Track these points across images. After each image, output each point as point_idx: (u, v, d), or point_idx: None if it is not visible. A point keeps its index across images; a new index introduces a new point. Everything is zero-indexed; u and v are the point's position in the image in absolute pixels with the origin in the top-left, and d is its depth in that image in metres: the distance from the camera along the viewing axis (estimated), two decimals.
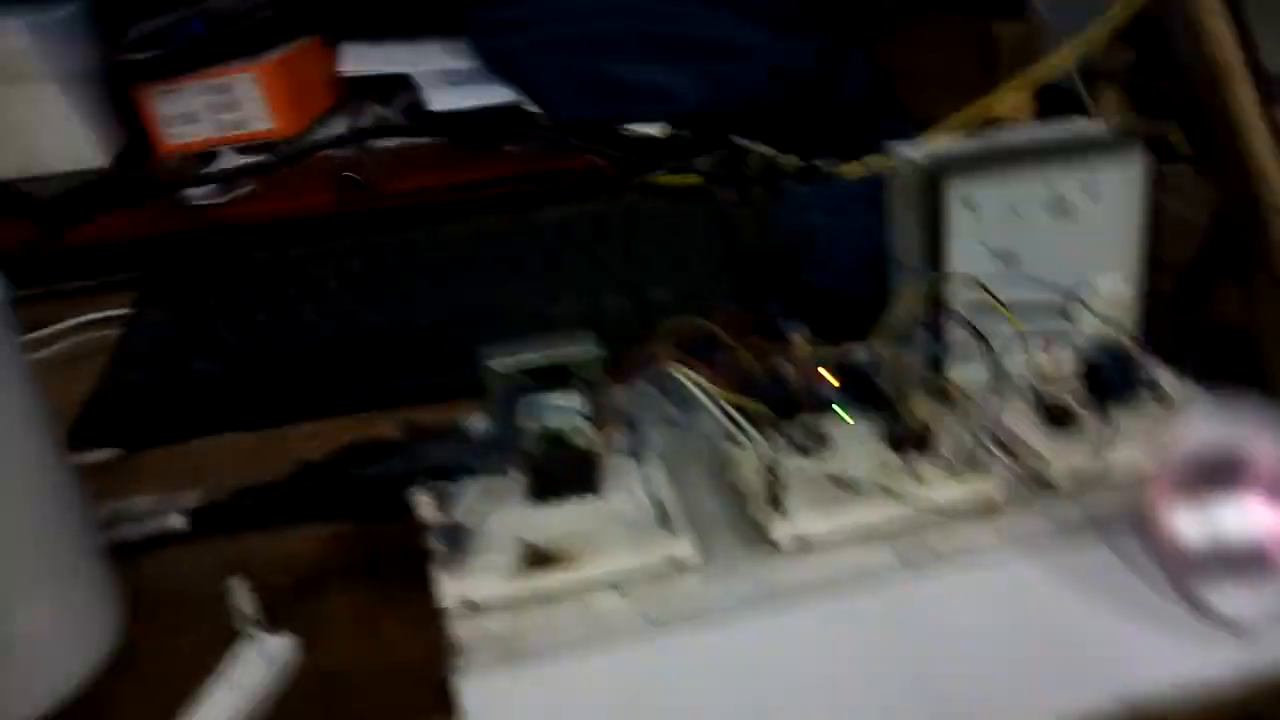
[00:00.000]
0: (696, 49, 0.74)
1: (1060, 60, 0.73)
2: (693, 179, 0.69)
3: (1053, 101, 0.83)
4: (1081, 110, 0.85)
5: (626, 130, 0.70)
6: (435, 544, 0.36)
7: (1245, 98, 0.44)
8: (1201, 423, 0.33)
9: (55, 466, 0.33)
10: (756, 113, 0.74)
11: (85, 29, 0.66)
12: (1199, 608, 0.32)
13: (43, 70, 0.61)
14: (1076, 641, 0.32)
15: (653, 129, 0.70)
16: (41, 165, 0.63)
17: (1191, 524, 0.33)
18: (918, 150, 0.45)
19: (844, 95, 0.77)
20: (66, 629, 0.34)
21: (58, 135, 0.63)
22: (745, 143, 0.74)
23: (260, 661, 0.33)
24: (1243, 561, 0.32)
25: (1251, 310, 0.44)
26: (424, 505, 0.37)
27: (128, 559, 0.39)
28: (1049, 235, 0.45)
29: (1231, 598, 0.32)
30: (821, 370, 0.45)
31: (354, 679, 0.34)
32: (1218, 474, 0.33)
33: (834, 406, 0.42)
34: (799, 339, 0.47)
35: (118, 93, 0.67)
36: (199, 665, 0.34)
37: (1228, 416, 0.33)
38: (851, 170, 0.68)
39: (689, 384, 0.37)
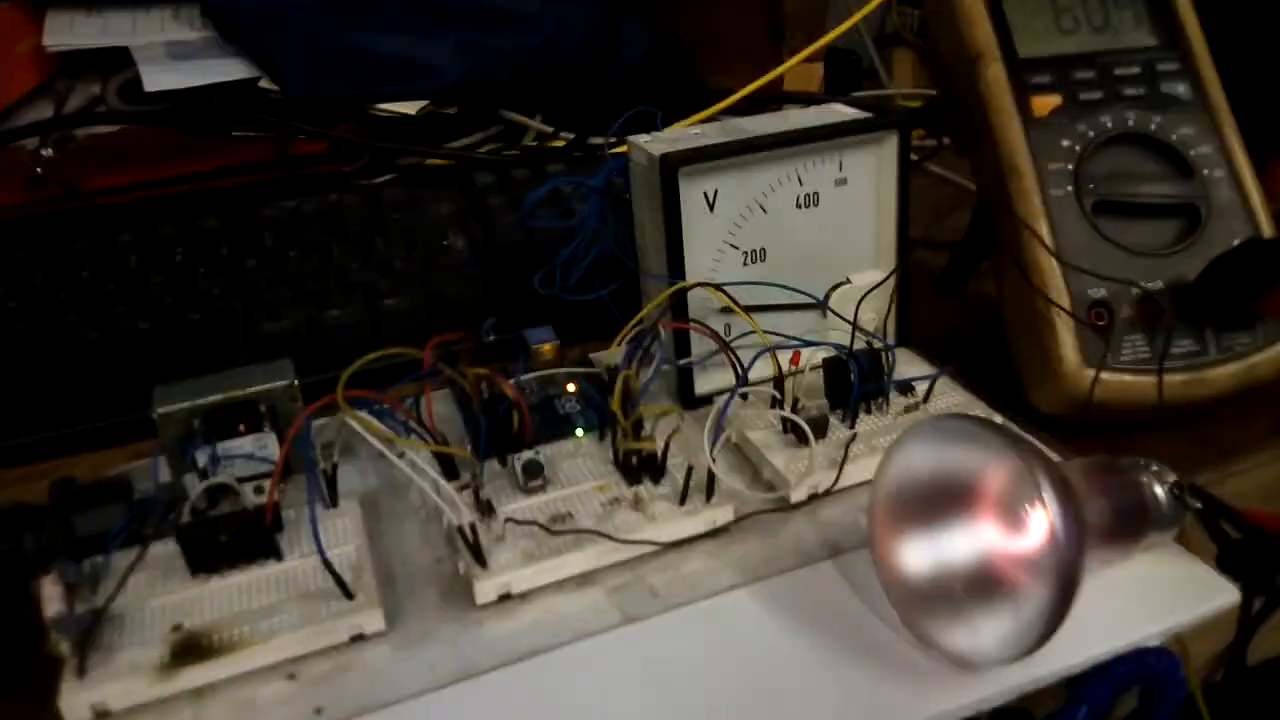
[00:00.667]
0: (458, 17, 0.68)
1: (843, 27, 0.70)
2: (447, 161, 0.63)
3: (846, 70, 0.80)
4: (874, 78, 0.83)
5: (377, 110, 0.64)
6: (59, 642, 0.30)
7: (997, 80, 0.41)
8: (926, 442, 0.30)
9: None
10: (527, 85, 0.68)
11: None
12: (928, 643, 0.29)
13: None
14: (799, 687, 0.29)
15: (407, 107, 0.64)
16: None
17: (916, 552, 0.30)
18: (654, 140, 0.41)
19: (623, 64, 0.73)
20: None
21: None
22: (519, 118, 0.69)
23: None
24: (972, 588, 0.29)
25: (999, 294, 0.42)
26: (50, 595, 0.30)
27: None
28: (799, 230, 0.42)
29: (962, 630, 0.29)
30: (568, 383, 0.41)
31: None
32: (942, 498, 0.30)
33: (567, 426, 0.38)
34: (543, 348, 0.42)
35: None
36: None
37: (949, 439, 0.30)
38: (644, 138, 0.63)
39: (369, 434, 0.32)
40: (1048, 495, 0.27)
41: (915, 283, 0.43)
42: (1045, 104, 0.40)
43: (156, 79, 0.61)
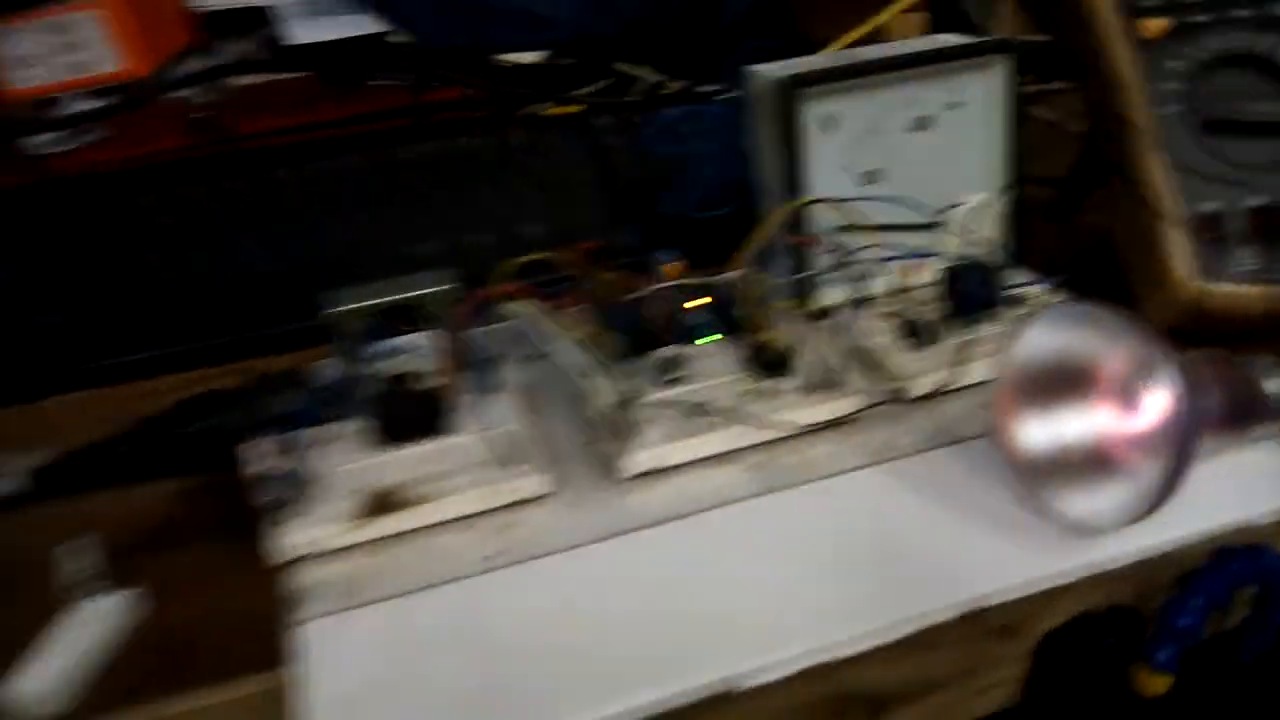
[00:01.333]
0: None
1: None
2: (572, 108, 0.67)
3: (949, 21, 0.82)
4: (977, 29, 0.84)
5: (501, 59, 0.67)
6: (271, 495, 0.34)
7: (1107, 5, 0.43)
8: (1046, 331, 0.32)
9: None
10: (639, 36, 0.71)
11: None
12: (1046, 513, 0.32)
13: None
14: (927, 549, 0.32)
15: (529, 56, 0.68)
16: None
17: (1036, 431, 0.32)
18: (775, 68, 0.44)
19: (728, 15, 0.75)
20: None
21: None
22: (628, 68, 0.72)
23: (93, 622, 0.32)
24: (1087, 465, 0.32)
25: (1111, 215, 0.44)
26: (260, 455, 0.35)
27: None
28: (913, 152, 0.44)
29: (1078, 501, 0.31)
30: (685, 299, 0.44)
31: (196, 633, 0.33)
32: (1062, 381, 0.32)
33: (696, 334, 0.42)
34: (668, 267, 0.46)
35: None
36: (37, 627, 0.32)
37: (1074, 323, 0.32)
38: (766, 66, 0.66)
39: (536, 321, 0.36)
40: (1170, 374, 0.29)
41: (1024, 214, 0.46)
42: (1155, 26, 0.42)
43: (297, 33, 0.66)
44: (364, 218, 0.54)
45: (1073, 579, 0.31)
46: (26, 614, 0.33)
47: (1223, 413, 0.33)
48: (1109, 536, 0.31)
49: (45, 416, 0.45)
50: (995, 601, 0.31)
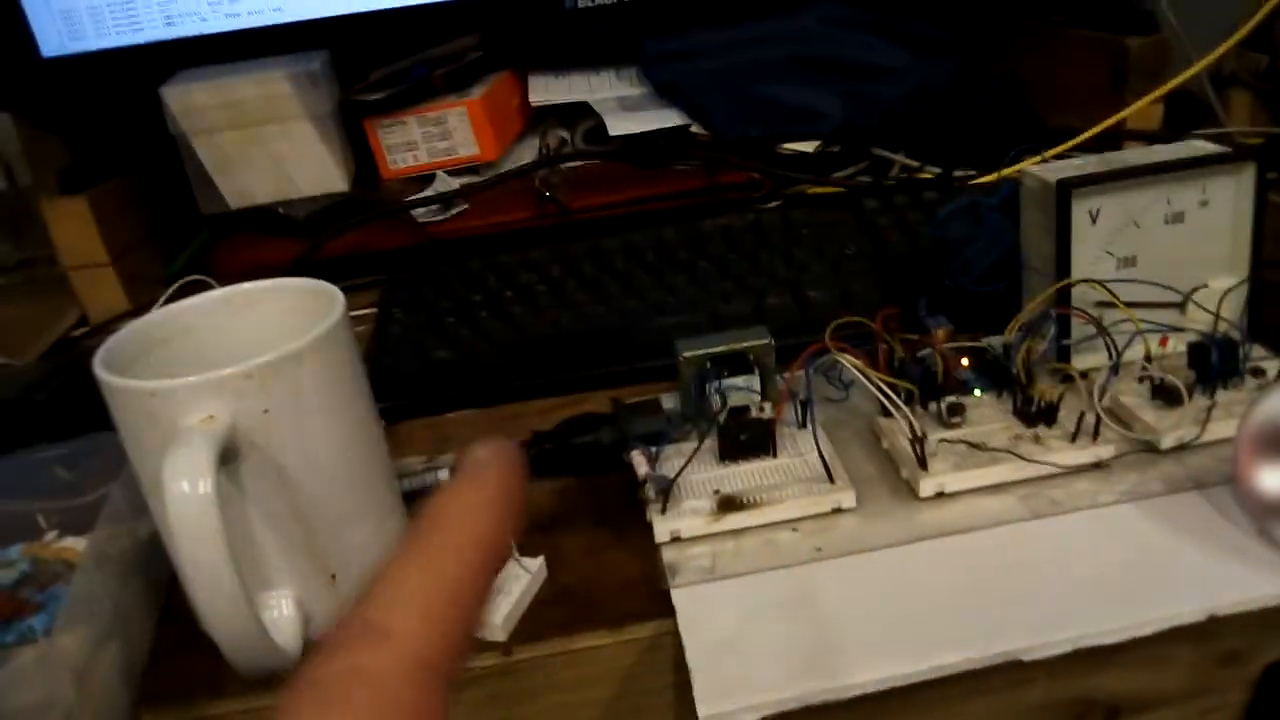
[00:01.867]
0: (843, 71, 0.82)
1: (1189, 73, 0.78)
2: (838, 189, 0.78)
3: (1184, 110, 0.88)
4: (1212, 117, 0.89)
5: (782, 148, 0.79)
6: (649, 492, 0.46)
7: None
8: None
9: (374, 428, 0.44)
10: (896, 127, 0.81)
11: (329, 74, 0.79)
12: (1275, 543, 0.39)
13: (300, 111, 0.74)
14: (1172, 568, 0.40)
15: (805, 145, 0.79)
16: (296, 190, 0.76)
17: (1270, 479, 0.40)
18: (1048, 170, 0.52)
19: (976, 108, 0.84)
20: (384, 549, 0.45)
21: (309, 165, 0.76)
22: (886, 154, 0.82)
23: (522, 575, 0.44)
24: None
25: None
26: (639, 463, 0.47)
27: (411, 504, 0.50)
28: (1165, 241, 0.52)
29: None
30: (961, 358, 0.53)
31: (590, 592, 0.44)
32: None
33: (970, 387, 0.51)
34: (941, 331, 0.55)
35: (352, 126, 0.79)
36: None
37: None
38: (985, 180, 0.75)
39: (850, 367, 0.46)
40: None
41: (1267, 294, 0.52)
42: None
43: (617, 125, 0.80)
44: (678, 280, 0.66)
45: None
46: None
47: None
48: None
49: (446, 428, 0.59)
50: (1230, 611, 0.38)
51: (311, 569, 0.41)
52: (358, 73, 0.80)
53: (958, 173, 0.79)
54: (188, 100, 0.72)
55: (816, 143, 0.79)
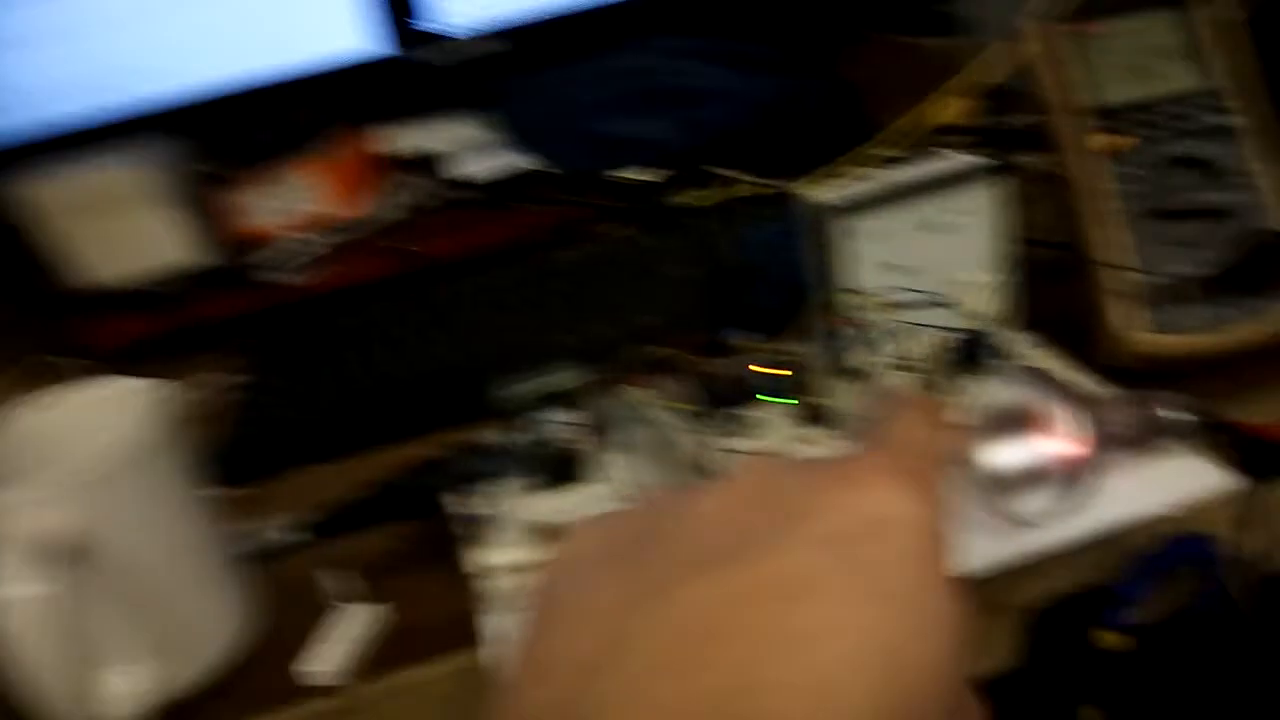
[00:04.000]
0: (677, 99, 0.87)
1: (988, 67, 0.84)
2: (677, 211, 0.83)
3: (1003, 100, 0.93)
4: (1030, 103, 0.95)
5: (621, 176, 0.84)
6: (462, 530, 0.50)
7: (1074, 125, 0.55)
8: (1008, 385, 0.45)
9: (197, 505, 0.49)
10: (729, 146, 0.87)
11: (180, 153, 0.82)
12: (1002, 514, 0.45)
13: (148, 192, 0.77)
14: None
15: (643, 174, 0.84)
16: (151, 266, 0.79)
17: (998, 456, 0.45)
18: (816, 194, 0.58)
19: (805, 116, 0.89)
20: (216, 619, 0.49)
21: (163, 241, 0.79)
22: (723, 173, 0.87)
23: (353, 622, 0.48)
24: (1032, 479, 0.44)
25: (1081, 291, 0.56)
26: (453, 504, 0.51)
27: (263, 565, 0.55)
28: (930, 247, 0.57)
29: (1025, 505, 0.44)
30: (753, 367, 0.58)
31: (418, 628, 0.49)
32: (1017, 421, 0.45)
33: (759, 395, 0.56)
34: (740, 343, 0.60)
35: (205, 198, 0.83)
36: (313, 631, 0.49)
37: (1022, 381, 0.45)
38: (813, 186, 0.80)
39: (637, 399, 0.51)
40: (1071, 417, 0.42)
41: (1039, 274, 0.57)
42: (1109, 141, 0.54)
43: (465, 169, 0.84)
44: (519, 317, 0.70)
45: (1023, 561, 0.44)
46: (308, 619, 0.50)
47: (1134, 436, 0.45)
48: (1047, 528, 0.44)
49: (302, 484, 0.63)
50: (986, 573, 0.44)
51: (147, 643, 0.45)
52: (211, 147, 0.83)
53: (790, 184, 0.84)
54: (40, 193, 0.76)
55: (654, 170, 0.84)
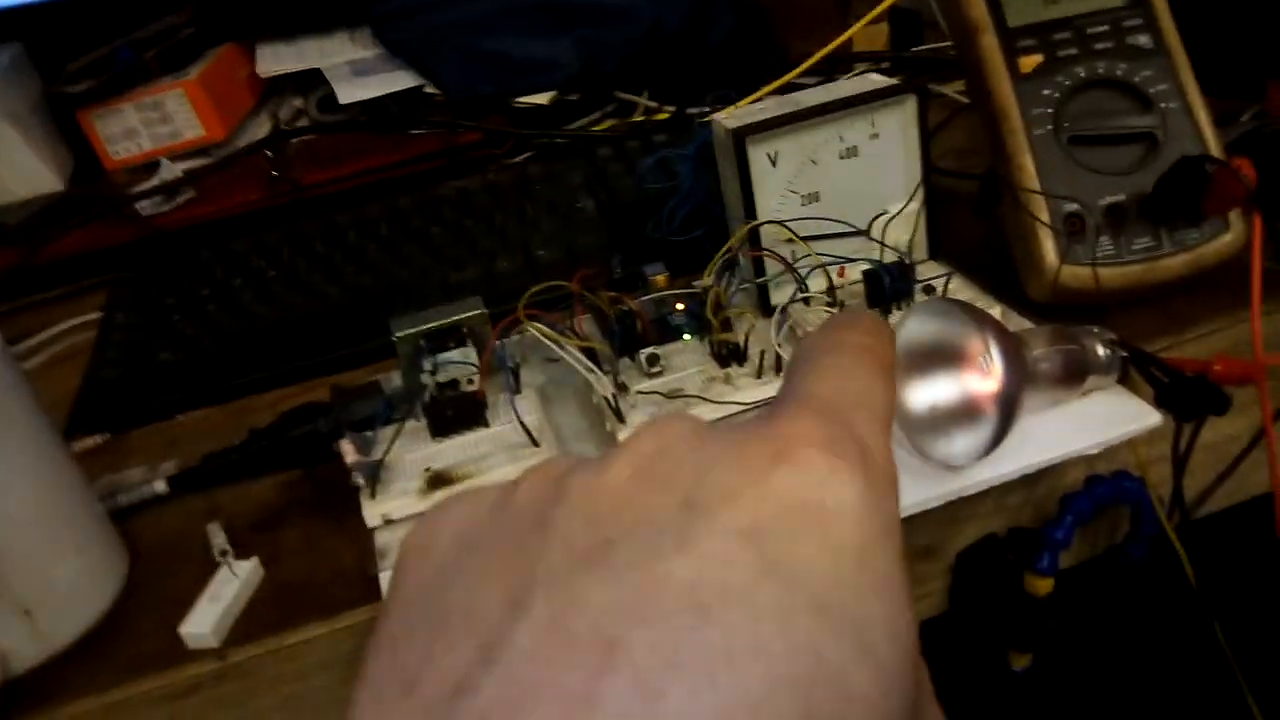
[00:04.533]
0: (573, 17, 0.82)
1: None
2: (579, 138, 0.78)
3: (907, 28, 0.92)
4: (935, 30, 0.94)
5: (517, 102, 0.79)
6: (357, 479, 0.46)
7: (990, 47, 0.53)
8: (918, 321, 0.43)
9: (58, 456, 0.43)
10: (634, 69, 0.82)
11: (26, 68, 0.74)
12: (924, 455, 0.43)
13: None
14: None
15: (541, 98, 0.79)
16: (6, 195, 0.72)
17: (918, 394, 0.43)
18: (729, 118, 0.54)
19: (713, 41, 0.86)
20: (85, 577, 0.44)
21: (16, 166, 0.72)
22: (628, 97, 0.83)
23: (233, 580, 0.44)
24: (956, 418, 0.42)
25: (1003, 221, 0.54)
26: (347, 451, 0.47)
27: (126, 520, 0.50)
28: (844, 175, 0.55)
29: (948, 445, 0.42)
30: (676, 304, 0.55)
31: (304, 585, 0.45)
32: (938, 356, 0.43)
33: (680, 332, 0.53)
34: (660, 278, 0.57)
35: (63, 120, 0.75)
36: (190, 590, 0.45)
37: (937, 314, 0.43)
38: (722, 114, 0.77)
39: (544, 338, 0.47)
40: (995, 352, 0.40)
41: (957, 206, 0.56)
42: (1030, 62, 0.52)
43: (347, 93, 0.78)
44: (412, 250, 0.66)
45: (946, 501, 0.42)
46: (184, 579, 0.46)
47: (1060, 372, 0.43)
48: (972, 469, 0.42)
49: (175, 432, 0.58)
50: (911, 513, 0.42)
51: (12, 603, 0.41)
52: (60, 62, 0.75)
53: (694, 110, 0.80)
54: None
55: (551, 94, 0.79)
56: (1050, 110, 0.52)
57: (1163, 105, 0.52)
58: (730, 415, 0.48)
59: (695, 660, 0.16)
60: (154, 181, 0.74)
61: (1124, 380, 0.45)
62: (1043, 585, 0.48)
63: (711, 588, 0.17)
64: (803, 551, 0.17)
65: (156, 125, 0.76)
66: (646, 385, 0.50)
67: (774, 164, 0.54)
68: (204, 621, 0.43)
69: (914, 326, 0.43)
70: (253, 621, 0.44)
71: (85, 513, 0.45)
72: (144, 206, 0.72)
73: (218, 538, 0.47)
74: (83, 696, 0.42)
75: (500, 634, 0.17)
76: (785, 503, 0.18)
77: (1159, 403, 0.46)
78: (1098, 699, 0.58)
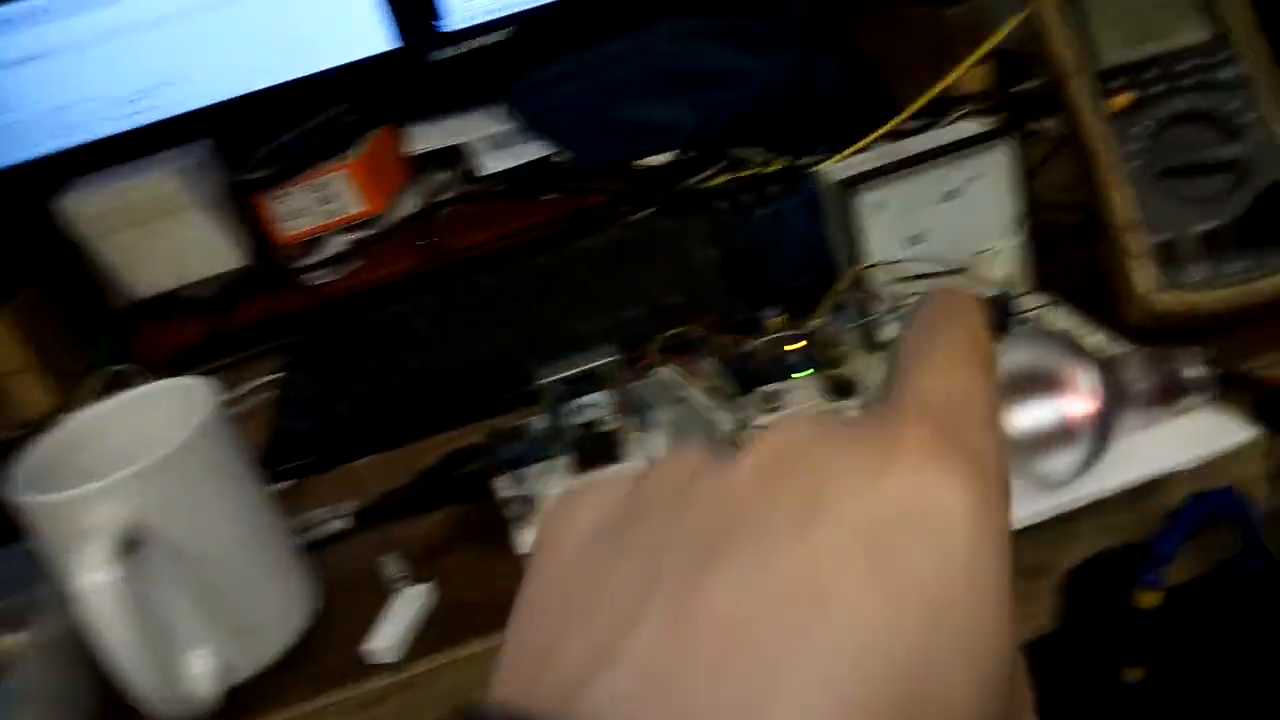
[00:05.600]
0: (690, 81, 0.88)
1: (1004, 34, 0.84)
2: (697, 194, 0.84)
3: (1010, 68, 0.94)
4: (1039, 69, 0.96)
5: (640, 164, 0.85)
6: (512, 511, 0.52)
7: (1081, 89, 0.56)
8: (1016, 349, 0.47)
9: (264, 499, 0.51)
10: (746, 126, 0.88)
11: (215, 161, 0.85)
12: (1029, 476, 0.46)
13: (191, 200, 0.80)
14: None
15: (660, 159, 0.85)
16: (196, 273, 0.82)
17: (1017, 419, 0.46)
18: (834, 169, 0.59)
19: (820, 94, 0.91)
20: (287, 602, 0.51)
21: (208, 247, 0.82)
22: (741, 154, 0.89)
23: (409, 603, 0.51)
24: (1054, 439, 0.46)
25: (1100, 252, 0.57)
26: (502, 487, 0.54)
27: (315, 553, 0.57)
28: (946, 216, 0.59)
29: (1047, 464, 0.46)
30: (789, 345, 0.60)
31: (472, 605, 0.51)
32: (1035, 383, 0.47)
33: (787, 372, 0.58)
34: (776, 321, 0.62)
35: (242, 203, 0.85)
36: (371, 612, 0.51)
37: (1043, 344, 0.47)
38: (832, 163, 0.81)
39: (671, 379, 0.53)
40: (1087, 375, 0.43)
41: (1062, 238, 0.58)
42: (1120, 101, 0.55)
43: (487, 163, 0.86)
44: (549, 305, 0.72)
45: (1053, 514, 0.45)
46: (366, 603, 0.53)
47: (1157, 392, 0.46)
48: (1075, 485, 0.45)
49: (348, 477, 0.65)
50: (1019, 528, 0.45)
51: (225, 627, 0.48)
52: (244, 152, 0.86)
53: (804, 160, 0.85)
54: (84, 209, 0.78)
55: (670, 154, 0.86)
56: (1141, 146, 0.54)
57: (1251, 134, 0.54)
58: None
59: (809, 648, 0.17)
60: (322, 254, 0.84)
61: (1220, 399, 0.47)
62: (1151, 599, 0.50)
63: (827, 581, 0.17)
64: (913, 557, 0.18)
65: (322, 204, 0.85)
66: (765, 420, 0.54)
67: (878, 210, 0.58)
68: (385, 639, 0.49)
69: (1016, 356, 0.47)
70: (428, 639, 0.50)
71: (285, 547, 0.52)
72: (313, 277, 0.81)
73: (394, 566, 0.54)
74: (286, 705, 0.49)
75: (633, 615, 0.18)
76: (899, 506, 0.18)
77: (1256, 418, 0.48)
78: (1214, 714, 0.58)
